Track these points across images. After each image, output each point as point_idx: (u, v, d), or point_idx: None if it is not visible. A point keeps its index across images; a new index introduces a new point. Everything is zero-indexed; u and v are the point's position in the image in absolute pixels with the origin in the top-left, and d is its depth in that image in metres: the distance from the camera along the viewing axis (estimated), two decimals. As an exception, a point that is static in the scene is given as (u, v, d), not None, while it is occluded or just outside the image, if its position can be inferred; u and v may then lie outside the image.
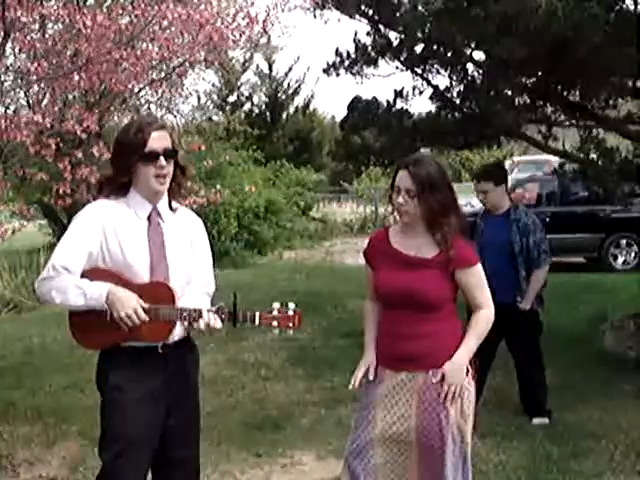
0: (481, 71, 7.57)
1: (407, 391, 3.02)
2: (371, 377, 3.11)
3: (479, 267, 3.06)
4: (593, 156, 6.93)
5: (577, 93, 7.19)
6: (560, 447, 4.65)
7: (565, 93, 7.19)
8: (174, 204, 2.95)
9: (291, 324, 2.82)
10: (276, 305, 2.83)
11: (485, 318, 3.07)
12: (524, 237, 4.91)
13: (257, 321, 2.81)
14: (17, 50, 5.28)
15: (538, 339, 5.19)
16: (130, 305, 2.66)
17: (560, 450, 4.61)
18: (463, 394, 2.99)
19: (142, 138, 2.74)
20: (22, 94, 6.74)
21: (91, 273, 2.75)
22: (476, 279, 3.05)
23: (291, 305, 2.86)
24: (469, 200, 13.28)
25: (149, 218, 2.85)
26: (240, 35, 5.24)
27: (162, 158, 2.77)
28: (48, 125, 4.85)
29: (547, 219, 12.02)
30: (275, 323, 2.81)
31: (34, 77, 5.21)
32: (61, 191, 5.52)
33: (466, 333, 3.04)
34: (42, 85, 5.41)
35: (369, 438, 3.06)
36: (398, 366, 3.04)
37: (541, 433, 4.88)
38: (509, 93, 7.50)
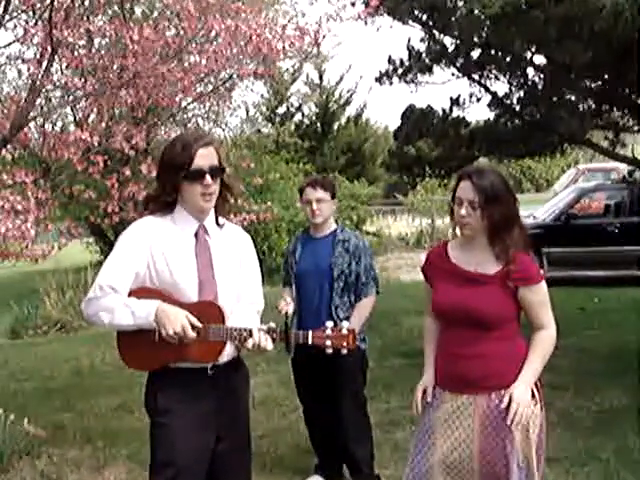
0: (542, 76, 7.51)
1: (468, 415, 2.98)
2: (429, 399, 3.08)
3: (543, 284, 3.01)
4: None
5: (646, 96, 7.06)
6: (635, 474, 4.51)
7: (633, 97, 7.06)
8: (220, 220, 2.97)
9: (345, 343, 2.79)
10: (329, 324, 2.82)
11: (549, 339, 3.01)
12: (354, 260, 4.38)
13: (310, 341, 2.80)
14: (64, 66, 5.43)
15: (363, 382, 4.57)
16: (179, 321, 2.67)
17: (635, 477, 4.47)
18: (529, 418, 2.93)
19: (188, 155, 2.76)
20: (69, 110, 6.94)
21: (138, 292, 2.78)
22: (540, 297, 3.00)
23: (344, 324, 2.85)
24: (532, 212, 13.12)
25: (196, 235, 2.88)
26: (290, 46, 5.28)
27: (208, 176, 2.79)
28: (95, 143, 4.96)
29: (616, 230, 11.78)
30: (328, 342, 2.79)
31: (81, 93, 5.35)
32: (109, 209, 5.63)
33: (529, 354, 2.99)
34: (89, 101, 5.55)
35: (428, 465, 3.03)
36: (458, 388, 3.01)
37: (614, 459, 4.75)
38: (573, 98, 7.43)
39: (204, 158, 2.78)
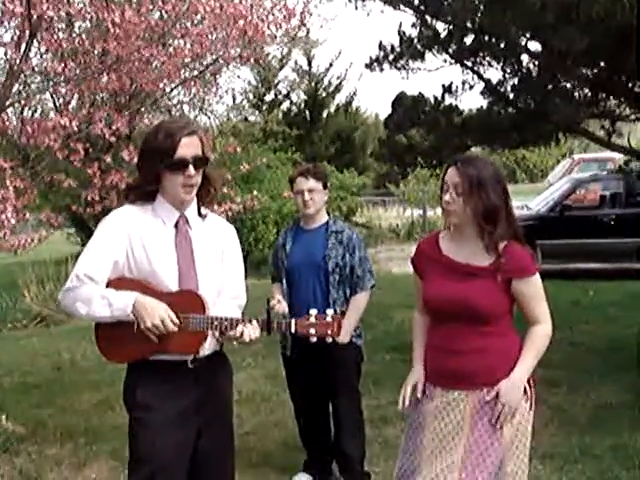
0: (537, 63, 7.50)
1: (459, 411, 2.97)
2: (419, 394, 3.07)
3: (537, 277, 3.00)
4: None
5: (643, 85, 7.07)
6: (630, 471, 4.53)
7: (630, 85, 7.07)
8: (203, 210, 2.96)
9: (330, 331, 2.76)
10: (313, 311, 2.79)
11: (543, 334, 3.00)
12: (348, 252, 4.33)
13: (293, 329, 2.77)
14: (43, 50, 5.37)
15: (358, 380, 4.55)
16: (158, 314, 2.66)
17: (630, 475, 4.49)
18: (519, 416, 2.93)
19: (171, 144, 2.73)
20: (49, 96, 6.88)
21: (117, 283, 2.77)
22: (534, 290, 2.99)
23: (329, 311, 2.82)
24: (525, 203, 13.15)
25: (177, 225, 2.86)
26: (277, 28, 5.25)
27: (191, 167, 2.77)
28: (75, 129, 4.92)
29: (611, 222, 11.82)
30: (312, 331, 2.76)
31: (61, 78, 5.30)
32: (90, 198, 5.59)
33: (523, 350, 2.98)
34: (69, 87, 5.50)
35: (417, 462, 3.02)
36: (449, 384, 2.99)
37: (609, 456, 4.77)
38: (568, 86, 7.43)
39: (188, 147, 2.75)
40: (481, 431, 2.93)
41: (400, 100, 9.04)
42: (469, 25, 7.19)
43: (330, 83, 28.03)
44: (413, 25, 7.87)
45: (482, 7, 6.55)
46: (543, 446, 4.71)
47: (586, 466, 4.65)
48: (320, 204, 4.39)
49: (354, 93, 29.46)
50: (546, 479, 4.47)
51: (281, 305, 4.14)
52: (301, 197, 4.35)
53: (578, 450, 4.88)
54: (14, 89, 5.27)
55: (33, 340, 9.37)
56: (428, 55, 7.78)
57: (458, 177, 2.90)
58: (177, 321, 2.69)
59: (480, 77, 7.94)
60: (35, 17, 4.55)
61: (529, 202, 13.35)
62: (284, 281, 4.44)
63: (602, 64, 6.85)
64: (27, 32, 4.81)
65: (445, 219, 3.05)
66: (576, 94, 7.48)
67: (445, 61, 7.84)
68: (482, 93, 8.18)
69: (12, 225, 4.55)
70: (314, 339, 2.78)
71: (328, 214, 4.53)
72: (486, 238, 2.93)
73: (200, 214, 2.94)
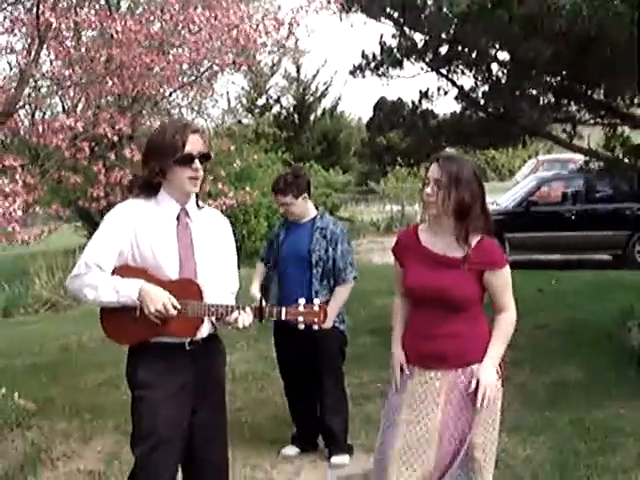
0: (506, 71, 7.51)
1: (435, 389, 2.98)
2: (407, 371, 3.07)
3: (507, 269, 3.01)
4: (619, 154, 6.83)
5: (602, 92, 7.10)
6: (588, 443, 4.58)
7: (590, 92, 7.11)
8: (201, 203, 2.98)
9: (316, 319, 2.83)
10: (302, 301, 2.85)
11: (510, 320, 3.03)
12: (331, 246, 4.36)
13: (283, 316, 2.82)
14: (52, 57, 5.34)
15: (341, 361, 4.60)
16: (160, 300, 2.68)
17: (587, 446, 4.54)
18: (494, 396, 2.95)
19: (181, 141, 2.77)
20: (58, 99, 6.84)
21: (121, 270, 2.78)
22: (502, 281, 3.00)
23: (316, 301, 2.91)
24: (495, 199, 13.20)
25: (178, 218, 2.88)
26: (267, 37, 5.25)
27: (197, 161, 2.80)
28: (82, 129, 4.90)
29: (572, 217, 11.91)
30: (301, 318, 2.83)
31: (69, 83, 5.27)
32: (95, 194, 5.58)
33: (492, 336, 3.00)
34: (77, 90, 5.47)
35: (396, 435, 3.02)
36: (426, 364, 3.01)
37: (569, 429, 4.82)
38: (534, 92, 7.44)
39: (193, 144, 2.80)
40: (456, 409, 2.96)
41: (381, 105, 9.02)
42: (444, 36, 7.18)
43: (317, 89, 28.03)
44: (393, 36, 7.85)
45: (455, 20, 6.55)
46: (509, 420, 4.72)
47: (548, 438, 4.69)
48: (299, 210, 4.43)
49: (339, 98, 29.51)
50: (512, 450, 4.50)
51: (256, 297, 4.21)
52: (281, 207, 4.48)
53: (541, 424, 4.92)
54: (25, 92, 5.24)
55: (43, 324, 9.35)
56: (406, 63, 7.77)
57: (439, 171, 2.92)
58: (178, 307, 2.71)
59: (454, 84, 7.93)
60: (44, 26, 4.51)
61: (498, 199, 13.41)
62: (277, 270, 4.52)
63: (564, 73, 6.87)
64: (36, 40, 4.77)
65: (425, 211, 3.06)
66: (541, 100, 7.49)
67: (422, 69, 7.83)
68: (456, 99, 8.18)
69: (19, 217, 4.50)
70: (302, 326, 2.84)
71: (317, 208, 4.55)
72: (457, 231, 2.95)
73: (198, 206, 2.95)
